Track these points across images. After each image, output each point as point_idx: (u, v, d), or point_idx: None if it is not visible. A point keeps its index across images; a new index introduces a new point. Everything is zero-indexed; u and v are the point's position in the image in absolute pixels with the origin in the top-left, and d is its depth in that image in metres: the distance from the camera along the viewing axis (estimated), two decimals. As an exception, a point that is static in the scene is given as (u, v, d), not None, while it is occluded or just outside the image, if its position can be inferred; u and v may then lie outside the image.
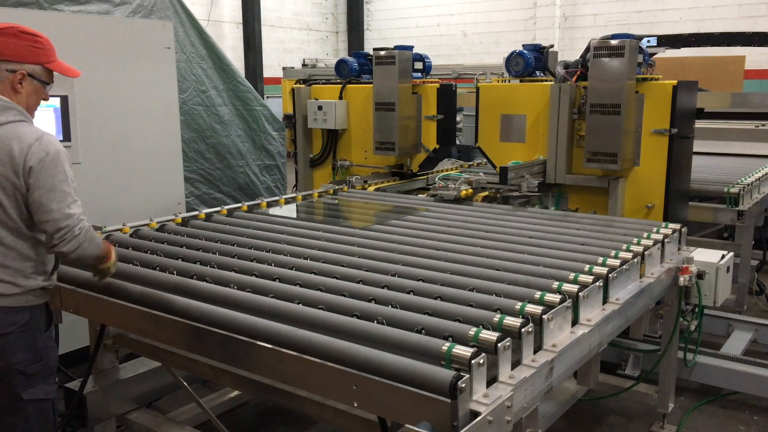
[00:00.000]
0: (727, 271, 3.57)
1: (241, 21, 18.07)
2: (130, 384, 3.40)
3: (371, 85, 5.39)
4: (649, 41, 6.24)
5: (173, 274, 2.93)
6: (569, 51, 15.90)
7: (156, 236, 3.56)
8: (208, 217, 4.01)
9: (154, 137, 4.86)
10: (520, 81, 4.91)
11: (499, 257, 3.15)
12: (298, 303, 2.58)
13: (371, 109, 5.37)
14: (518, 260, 3.10)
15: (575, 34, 16.98)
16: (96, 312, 2.94)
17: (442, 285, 2.74)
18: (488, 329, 2.28)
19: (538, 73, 4.98)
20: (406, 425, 1.88)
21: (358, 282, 2.80)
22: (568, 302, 2.55)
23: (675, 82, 4.23)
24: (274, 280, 2.85)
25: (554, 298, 2.55)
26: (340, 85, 5.75)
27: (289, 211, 4.38)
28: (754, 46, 9.02)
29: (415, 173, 5.57)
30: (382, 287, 2.73)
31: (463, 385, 1.92)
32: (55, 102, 3.82)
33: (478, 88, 4.99)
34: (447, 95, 5.32)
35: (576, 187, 4.61)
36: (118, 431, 3.48)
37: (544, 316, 2.38)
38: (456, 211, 4.22)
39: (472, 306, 2.51)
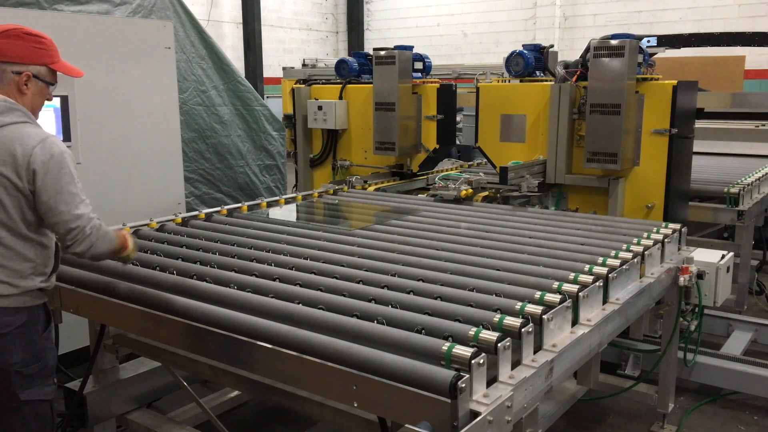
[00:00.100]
0: (727, 271, 3.57)
1: (241, 21, 18.07)
2: (130, 384, 3.40)
3: (371, 85, 5.39)
4: (649, 41, 6.24)
5: (173, 274, 2.93)
6: (569, 51, 15.90)
7: (156, 236, 3.56)
8: (208, 217, 4.01)
9: (154, 137, 4.86)
10: (520, 81, 4.91)
11: (499, 257, 3.15)
12: (298, 303, 2.58)
13: (371, 109, 5.37)
14: (518, 260, 3.10)
15: (575, 34, 16.98)
16: (96, 312, 2.94)
17: (442, 285, 2.74)
18: (488, 329, 2.28)
19: (538, 73, 4.98)
20: (406, 425, 1.88)
21: (358, 282, 2.80)
22: (568, 302, 2.55)
23: (675, 82, 4.23)
24: (274, 280, 2.85)
25: (554, 298, 2.55)
26: (340, 85, 5.75)
27: (289, 211, 4.38)
28: (754, 46, 9.02)
29: (415, 173, 5.57)
30: (382, 287, 2.73)
31: (463, 385, 1.92)
32: (55, 102, 3.82)
33: (478, 88, 4.99)
34: (447, 95, 5.32)
35: (576, 187, 4.61)
36: (118, 431, 3.48)
37: (544, 316, 2.38)
38: (456, 211, 4.22)
39: (472, 306, 2.51)
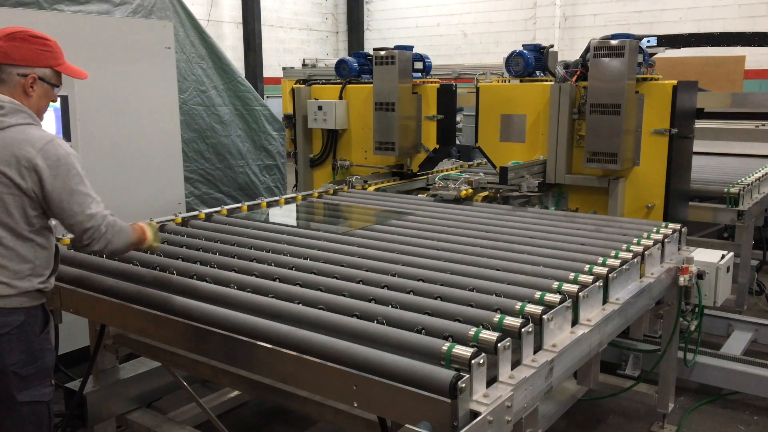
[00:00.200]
0: (727, 271, 3.57)
1: (241, 21, 18.07)
2: (130, 384, 3.40)
3: (371, 85, 5.39)
4: (649, 41, 6.24)
5: (173, 274, 2.93)
6: (569, 51, 15.90)
7: (156, 236, 3.55)
8: (208, 217, 4.01)
9: (154, 137, 4.86)
10: (520, 81, 4.91)
11: (499, 257, 3.15)
12: (298, 303, 2.58)
13: (371, 109, 5.37)
14: (518, 260, 3.10)
15: (575, 34, 16.97)
16: (96, 312, 2.94)
17: (442, 285, 2.74)
18: (488, 329, 2.28)
19: (538, 73, 4.98)
20: (406, 425, 1.88)
21: (358, 282, 2.80)
22: (568, 302, 2.55)
23: (675, 82, 4.23)
24: (274, 280, 2.85)
25: (554, 298, 2.55)
26: (340, 85, 5.75)
27: (288, 211, 4.38)
28: (754, 46, 9.01)
29: (415, 173, 5.57)
30: (382, 287, 2.73)
31: (463, 385, 1.92)
32: (56, 102, 3.81)
33: (478, 88, 4.99)
34: (447, 95, 5.32)
35: (576, 187, 4.61)
36: (118, 431, 3.48)
37: (544, 316, 2.38)
38: (456, 211, 4.22)
39: (472, 306, 2.51)
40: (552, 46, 5.07)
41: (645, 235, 3.48)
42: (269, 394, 2.79)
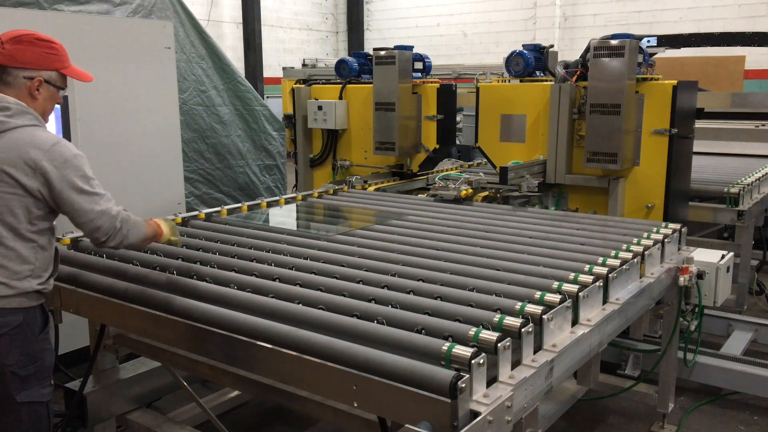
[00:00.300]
0: (727, 271, 3.57)
1: (241, 21, 18.07)
2: (130, 384, 3.40)
3: (371, 85, 5.39)
4: (649, 41, 6.24)
5: (173, 274, 2.93)
6: (569, 51, 15.90)
7: (156, 236, 3.55)
8: (208, 217, 4.01)
9: (154, 137, 4.86)
10: (520, 81, 4.91)
11: (499, 257, 3.15)
12: (298, 303, 2.58)
13: (371, 109, 5.37)
14: (518, 260, 3.10)
15: (575, 34, 16.97)
16: (96, 312, 2.94)
17: (442, 285, 2.74)
18: (488, 329, 2.28)
19: (538, 73, 4.98)
20: (406, 425, 1.88)
21: (358, 282, 2.80)
22: (568, 302, 2.55)
23: (675, 82, 4.23)
24: (274, 280, 2.85)
25: (554, 298, 2.55)
26: (340, 85, 5.75)
27: (288, 211, 4.38)
28: (754, 46, 9.02)
29: (415, 173, 5.57)
30: (382, 287, 2.73)
31: (463, 385, 1.92)
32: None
33: (478, 88, 4.99)
34: (447, 95, 5.32)
35: (576, 187, 4.61)
36: (118, 431, 3.48)
37: (544, 316, 2.38)
38: (456, 211, 4.22)
39: (472, 306, 2.51)
40: (552, 46, 5.07)
41: (645, 235, 3.48)
42: (269, 394, 2.79)
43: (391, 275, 2.87)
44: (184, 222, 3.88)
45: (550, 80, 4.81)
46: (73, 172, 2.40)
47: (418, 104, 5.39)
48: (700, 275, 3.44)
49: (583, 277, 2.79)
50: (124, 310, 2.76)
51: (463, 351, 2.06)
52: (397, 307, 2.52)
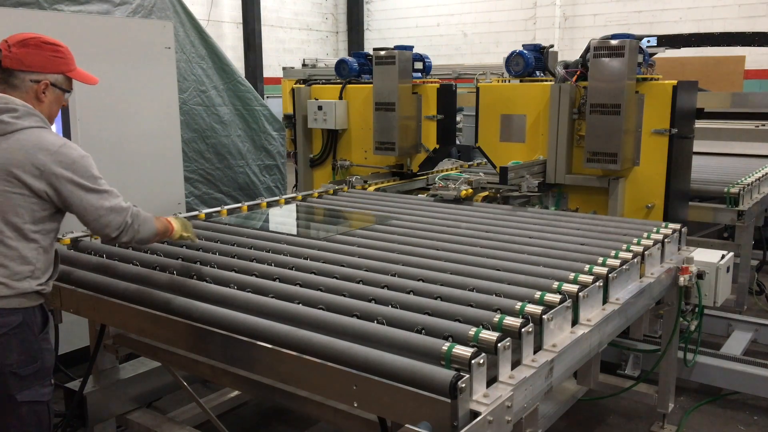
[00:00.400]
0: (727, 271, 3.57)
1: (241, 21, 18.07)
2: (130, 384, 3.40)
3: (371, 85, 5.39)
4: (649, 41, 6.24)
5: (173, 274, 2.93)
6: (569, 51, 15.90)
7: (156, 236, 3.55)
8: (208, 217, 4.01)
9: (154, 137, 4.86)
10: (520, 81, 4.91)
11: (499, 257, 3.15)
12: (298, 303, 2.58)
13: (371, 109, 5.37)
14: (518, 260, 3.10)
15: (575, 34, 16.98)
16: (96, 312, 2.94)
17: (442, 285, 2.74)
18: (488, 329, 2.28)
19: (538, 73, 4.98)
20: (406, 425, 1.88)
21: (358, 282, 2.80)
22: (568, 302, 2.55)
23: (675, 82, 4.23)
24: (274, 280, 2.85)
25: (554, 298, 2.55)
26: (340, 85, 5.75)
27: (284, 215, 4.37)
28: (754, 46, 9.01)
29: (415, 173, 5.57)
30: (382, 287, 2.73)
31: (463, 385, 1.92)
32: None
33: (478, 88, 4.99)
34: (447, 95, 5.32)
35: (576, 187, 4.61)
36: (118, 431, 3.48)
37: (544, 316, 2.38)
38: (456, 211, 4.22)
39: (472, 306, 2.51)
40: (552, 46, 5.07)
41: (645, 235, 3.48)
42: (269, 394, 2.79)
43: (391, 275, 2.87)
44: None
45: (550, 80, 4.81)
46: (80, 173, 2.42)
47: (418, 104, 5.38)
48: (700, 275, 3.44)
49: (583, 277, 2.79)
50: (124, 310, 2.76)
51: (463, 351, 2.06)
52: (397, 307, 2.52)
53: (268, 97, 15.00)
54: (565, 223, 3.85)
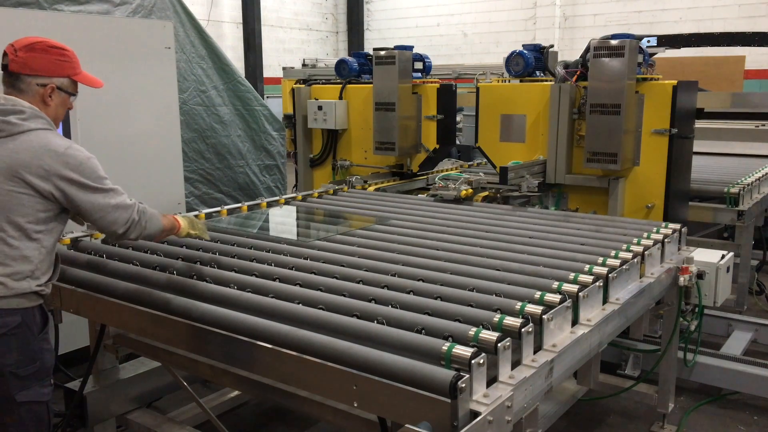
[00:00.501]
0: (727, 271, 3.57)
1: (241, 21, 18.07)
2: (130, 384, 3.40)
3: (371, 85, 5.39)
4: (649, 41, 6.23)
5: (173, 274, 2.94)
6: (569, 51, 15.90)
7: (156, 236, 3.55)
8: (208, 217, 4.01)
9: (154, 137, 4.86)
10: (520, 81, 4.91)
11: (499, 257, 3.15)
12: (298, 303, 2.58)
13: (371, 109, 5.37)
14: (518, 260, 3.10)
15: (575, 34, 16.98)
16: (96, 312, 2.94)
17: (442, 285, 2.74)
18: (488, 329, 2.28)
19: (538, 73, 4.98)
20: (406, 425, 1.88)
21: (358, 282, 2.80)
22: (568, 302, 2.55)
23: (675, 82, 4.23)
24: (274, 280, 2.85)
25: (554, 298, 2.55)
26: (340, 85, 5.75)
27: (284, 216, 4.38)
28: (754, 46, 9.01)
29: (415, 173, 5.57)
30: (382, 287, 2.73)
31: (463, 385, 1.92)
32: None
33: (478, 88, 4.99)
34: (447, 95, 5.32)
35: (576, 187, 4.61)
36: (118, 431, 3.48)
37: (544, 316, 2.38)
38: (456, 211, 4.22)
39: (472, 306, 2.51)
40: (552, 46, 5.07)
41: (645, 235, 3.48)
42: (269, 394, 2.79)
43: (391, 275, 2.87)
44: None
45: (550, 80, 4.81)
46: (87, 174, 2.45)
47: (418, 104, 5.38)
48: (700, 275, 3.44)
49: (583, 277, 2.79)
50: (124, 310, 2.76)
51: (463, 351, 2.06)
52: (397, 307, 2.52)
53: (268, 97, 15.00)
54: (565, 223, 3.85)
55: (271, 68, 18.32)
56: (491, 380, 2.11)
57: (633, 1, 16.15)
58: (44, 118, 2.48)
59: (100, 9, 5.06)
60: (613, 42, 4.19)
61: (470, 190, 4.60)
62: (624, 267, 2.98)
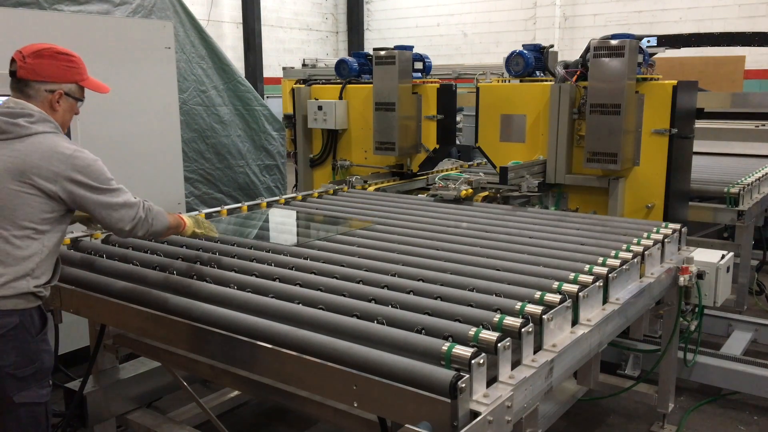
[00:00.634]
0: (727, 271, 3.57)
1: (241, 21, 18.07)
2: (130, 384, 3.40)
3: (371, 85, 5.39)
4: (649, 41, 6.23)
5: (173, 274, 2.94)
6: (569, 51, 15.90)
7: (156, 236, 3.55)
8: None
9: (154, 137, 4.86)
10: (520, 81, 4.91)
11: (499, 257, 3.15)
12: (298, 303, 2.58)
13: (371, 109, 5.37)
14: (518, 260, 3.09)
15: (575, 34, 16.98)
16: (96, 312, 2.94)
17: (442, 285, 2.74)
18: (488, 329, 2.28)
19: (538, 73, 4.98)
20: (406, 425, 1.88)
21: (358, 282, 2.80)
22: (568, 302, 2.55)
23: (675, 82, 4.23)
24: (274, 280, 2.85)
25: (554, 298, 2.55)
26: (340, 85, 5.75)
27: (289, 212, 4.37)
28: (754, 46, 9.00)
29: (415, 173, 5.57)
30: (382, 287, 2.73)
31: (463, 385, 1.92)
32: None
33: (478, 88, 4.99)
34: (447, 95, 5.32)
35: (576, 187, 4.61)
36: (118, 431, 3.48)
37: (544, 316, 2.38)
38: (456, 211, 4.22)
39: (472, 306, 2.51)
40: (552, 46, 5.07)
41: (645, 235, 3.48)
42: (269, 394, 2.79)
43: (391, 275, 2.87)
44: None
45: (550, 80, 4.81)
46: (94, 177, 2.50)
47: (418, 104, 5.38)
48: (700, 275, 3.44)
49: (583, 277, 2.79)
50: (124, 310, 2.76)
51: (463, 351, 2.06)
52: (397, 307, 2.52)
53: (268, 97, 15.01)
54: (565, 223, 3.85)
55: (271, 68, 18.33)
56: (491, 380, 2.11)
57: (633, 1, 16.15)
58: (52, 122, 2.52)
59: (100, 9, 5.06)
60: (613, 42, 4.19)
61: (470, 190, 4.60)
62: (624, 267, 2.98)
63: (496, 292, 2.65)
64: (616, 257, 3.07)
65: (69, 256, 3.19)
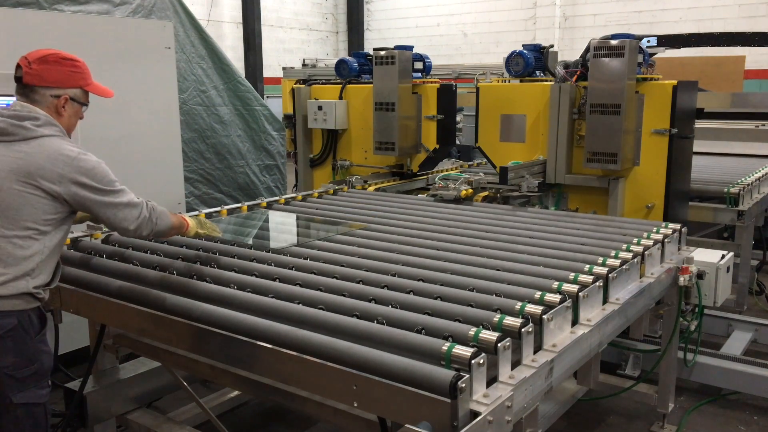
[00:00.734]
0: (727, 271, 3.57)
1: (241, 21, 18.07)
2: (130, 384, 3.40)
3: (371, 85, 5.39)
4: (649, 41, 6.24)
5: (173, 274, 2.94)
6: (569, 51, 15.90)
7: (156, 236, 3.55)
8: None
9: (154, 137, 4.86)
10: (520, 81, 4.91)
11: (499, 257, 3.15)
12: (298, 303, 2.58)
13: (371, 109, 5.37)
14: (518, 260, 3.10)
15: (575, 34, 16.98)
16: (96, 312, 2.94)
17: (442, 285, 2.74)
18: (488, 329, 2.28)
19: (538, 73, 4.98)
20: (406, 425, 1.88)
21: (358, 282, 2.80)
22: (568, 302, 2.55)
23: (675, 82, 4.23)
24: (274, 280, 2.85)
25: (554, 298, 2.55)
26: (340, 85, 5.75)
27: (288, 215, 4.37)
28: (754, 46, 9.01)
29: (415, 173, 5.57)
30: (382, 287, 2.73)
31: (463, 385, 1.92)
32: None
33: (478, 88, 4.99)
34: (447, 95, 5.32)
35: (576, 187, 4.61)
36: (118, 431, 3.48)
37: (544, 316, 2.38)
38: (456, 211, 4.22)
39: (472, 306, 2.51)
40: (552, 46, 5.07)
41: (645, 235, 3.48)
42: (269, 394, 2.79)
43: (391, 275, 2.87)
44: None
45: (550, 80, 4.81)
46: (99, 179, 2.52)
47: (418, 104, 5.38)
48: (700, 275, 3.44)
49: (583, 277, 2.79)
50: (124, 310, 2.76)
51: (463, 351, 2.06)
52: (397, 307, 2.52)
53: (268, 97, 15.01)
54: (565, 223, 3.85)
55: (271, 68, 18.33)
56: (491, 380, 2.11)
57: (633, 1, 16.15)
58: (57, 126, 2.55)
59: (100, 9, 5.06)
60: (613, 42, 4.19)
61: (470, 190, 4.60)
62: (624, 267, 2.98)
63: (496, 292, 2.65)
64: (616, 257, 3.07)
65: (69, 256, 3.19)
